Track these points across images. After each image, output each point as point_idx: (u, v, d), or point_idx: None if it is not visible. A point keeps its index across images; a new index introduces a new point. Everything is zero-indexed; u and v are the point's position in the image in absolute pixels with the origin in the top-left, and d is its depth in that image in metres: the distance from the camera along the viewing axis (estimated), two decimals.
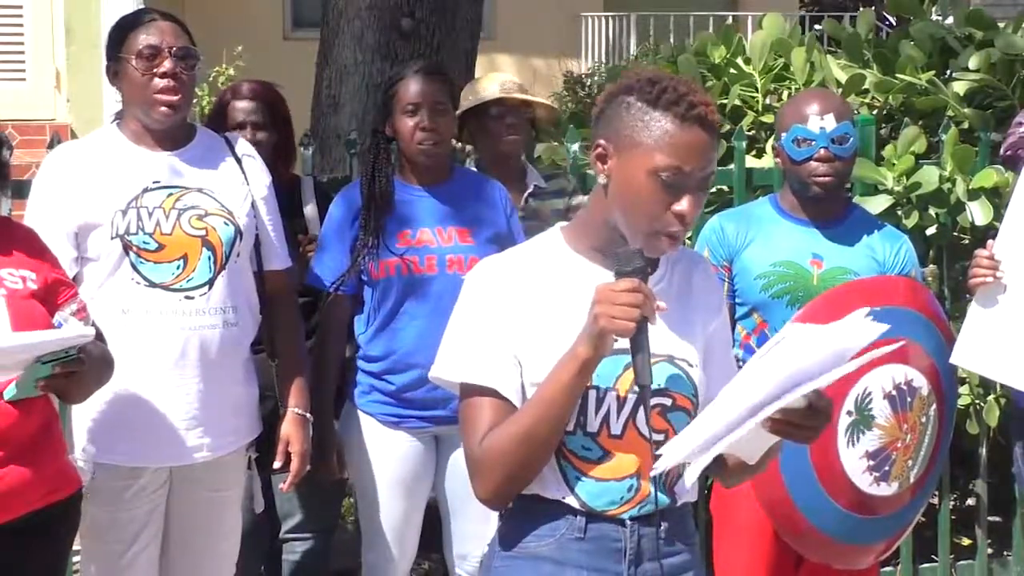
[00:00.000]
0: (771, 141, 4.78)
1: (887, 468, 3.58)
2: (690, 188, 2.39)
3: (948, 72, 5.16)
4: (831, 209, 3.80)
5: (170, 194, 3.43)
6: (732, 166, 4.72)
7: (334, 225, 3.91)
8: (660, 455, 2.34)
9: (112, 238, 3.38)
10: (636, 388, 2.41)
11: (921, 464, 3.66)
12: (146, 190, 3.42)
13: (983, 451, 4.91)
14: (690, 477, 2.36)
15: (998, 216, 4.63)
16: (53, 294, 3.08)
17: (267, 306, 3.62)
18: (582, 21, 14.55)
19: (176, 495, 3.53)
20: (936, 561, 4.96)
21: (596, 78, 11.93)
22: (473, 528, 3.86)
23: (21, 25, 8.88)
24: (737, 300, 3.79)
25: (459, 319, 2.50)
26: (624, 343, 2.35)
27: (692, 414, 2.49)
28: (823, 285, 3.71)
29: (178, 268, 3.40)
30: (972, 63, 5.02)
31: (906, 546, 4.73)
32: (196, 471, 3.50)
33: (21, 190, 3.84)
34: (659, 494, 2.48)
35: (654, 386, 2.40)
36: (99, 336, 3.09)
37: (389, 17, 6.28)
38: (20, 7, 8.85)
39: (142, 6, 7.73)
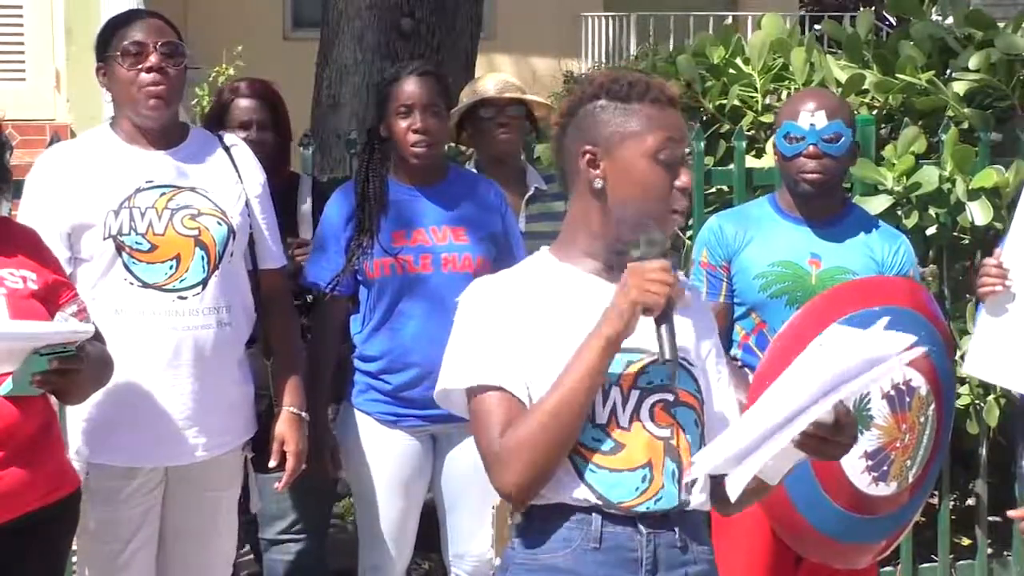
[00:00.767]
0: (771, 141, 4.78)
1: (886, 468, 3.58)
2: (683, 163, 2.51)
3: (948, 72, 5.16)
4: (829, 209, 3.80)
5: (163, 194, 3.43)
6: (732, 166, 4.72)
7: (330, 226, 3.91)
8: (693, 462, 2.40)
9: (105, 238, 3.38)
10: (639, 385, 2.46)
11: (920, 464, 3.66)
12: (139, 190, 3.42)
13: (983, 451, 4.91)
14: (733, 491, 2.38)
15: (998, 216, 4.64)
16: (54, 295, 3.08)
17: (262, 305, 3.62)
18: (582, 21, 14.55)
19: (172, 495, 3.53)
20: (936, 561, 4.95)
21: None
22: (470, 527, 3.87)
23: (21, 25, 8.89)
24: (736, 300, 3.79)
25: (458, 335, 2.52)
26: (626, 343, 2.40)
27: (697, 411, 2.52)
28: (822, 285, 3.71)
29: (171, 268, 3.40)
30: (972, 63, 5.02)
31: (906, 546, 4.73)
32: (192, 471, 3.50)
33: (20, 190, 3.83)
34: (671, 487, 2.48)
35: (656, 382, 2.45)
36: (98, 337, 3.09)
37: (389, 17, 6.28)
38: (20, 7, 8.87)
39: (141, 6, 7.75)
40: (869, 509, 3.60)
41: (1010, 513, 3.96)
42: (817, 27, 12.03)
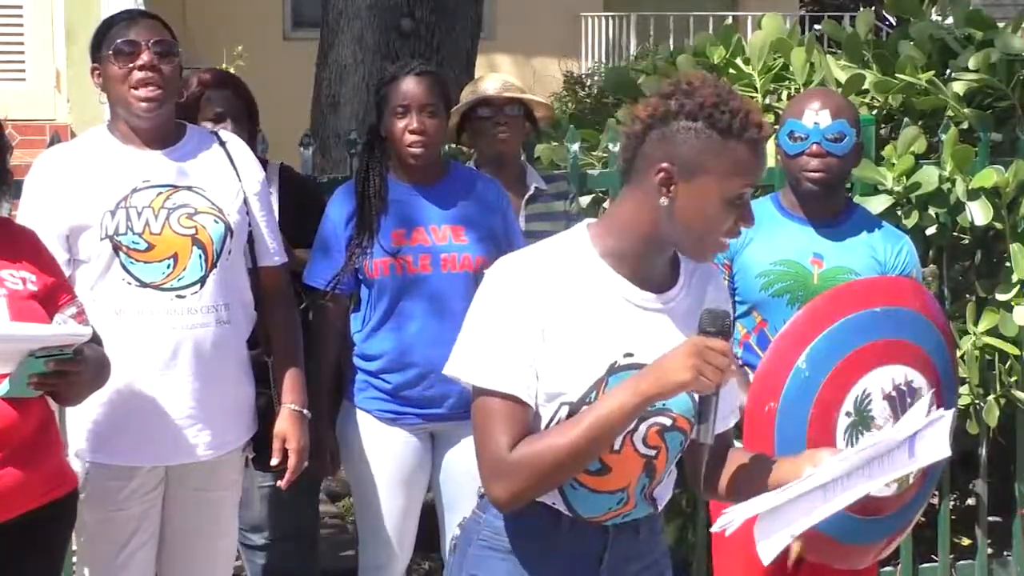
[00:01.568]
0: (771, 140, 4.77)
1: None
2: (748, 203, 2.48)
3: (948, 72, 5.15)
4: (832, 208, 3.80)
5: (159, 193, 3.43)
6: None
7: (331, 226, 3.90)
8: (725, 513, 2.44)
9: (102, 239, 3.38)
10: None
11: None
12: (135, 190, 3.41)
13: (983, 451, 4.91)
14: (766, 556, 2.42)
15: (998, 216, 4.63)
16: (53, 296, 3.08)
17: (261, 303, 3.62)
18: (582, 21, 14.54)
19: (172, 495, 3.53)
20: (936, 561, 4.95)
21: (596, 78, 11.91)
22: None
23: (21, 25, 8.89)
24: (737, 299, 3.78)
25: (479, 317, 2.47)
26: (628, 361, 2.44)
27: (686, 434, 2.55)
28: (824, 284, 3.71)
29: (168, 267, 3.40)
30: (972, 63, 5.01)
31: (906, 546, 4.73)
32: (192, 471, 3.50)
33: (19, 190, 3.83)
34: (642, 503, 2.56)
35: (655, 407, 2.45)
36: (96, 340, 3.09)
37: (389, 17, 6.29)
38: (20, 7, 8.87)
39: (141, 6, 7.75)
40: (870, 510, 3.59)
41: None
42: (817, 27, 12.03)
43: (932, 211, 4.68)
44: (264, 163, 4.26)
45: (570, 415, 2.43)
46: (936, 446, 2.50)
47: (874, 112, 4.99)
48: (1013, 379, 4.68)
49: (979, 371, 4.63)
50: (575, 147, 4.52)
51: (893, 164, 4.63)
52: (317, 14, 7.48)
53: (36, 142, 7.51)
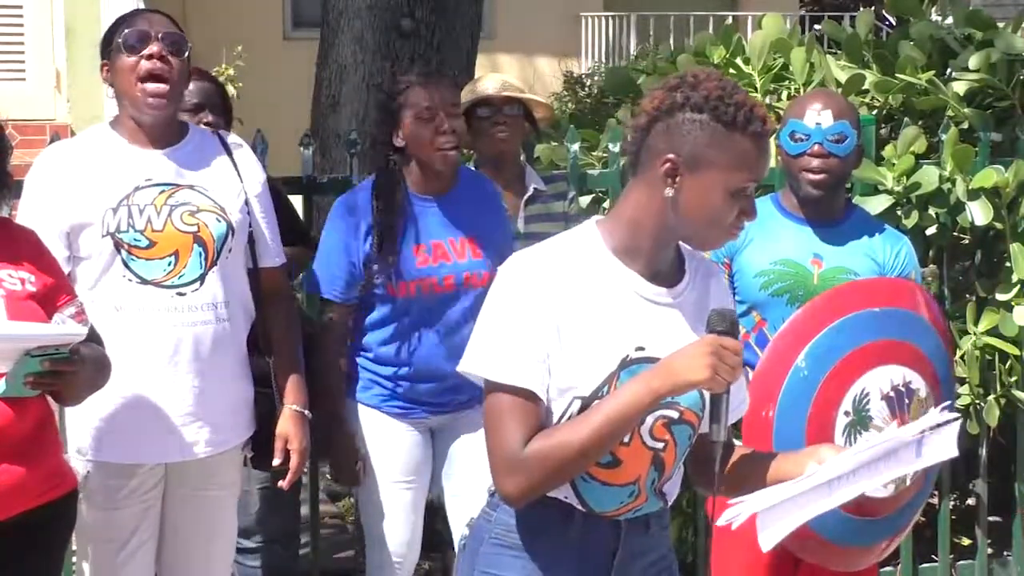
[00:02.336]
0: (772, 140, 4.77)
1: None
2: (752, 197, 2.49)
3: (948, 72, 5.15)
4: (831, 209, 3.80)
5: (162, 191, 3.43)
6: None
7: (339, 235, 3.83)
8: (733, 504, 2.45)
9: (103, 236, 3.38)
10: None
11: None
12: (138, 188, 3.41)
13: (983, 451, 4.91)
14: (766, 543, 2.44)
15: (998, 216, 4.63)
16: (52, 296, 3.07)
17: (262, 303, 3.62)
18: (582, 21, 14.55)
19: (172, 494, 3.52)
20: (936, 561, 4.95)
21: (596, 78, 11.92)
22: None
23: (21, 25, 8.89)
24: (736, 298, 3.78)
25: (493, 314, 2.48)
26: (640, 355, 2.45)
27: (694, 426, 2.56)
28: (823, 285, 3.71)
29: (169, 264, 3.40)
30: (972, 63, 5.01)
31: (906, 546, 4.73)
32: (191, 470, 3.50)
33: (20, 189, 3.83)
34: (652, 497, 2.57)
35: (663, 400, 2.45)
36: (96, 339, 3.09)
37: (389, 17, 6.30)
38: (20, 7, 8.87)
39: (142, 6, 7.75)
40: (868, 511, 3.59)
41: None
42: (817, 27, 12.04)
43: (932, 211, 4.68)
44: None
45: (582, 409, 2.44)
46: (944, 447, 2.52)
47: (874, 112, 5.00)
48: (1013, 379, 4.69)
49: (979, 371, 4.63)
50: (575, 147, 4.52)
51: (893, 164, 4.63)
52: (317, 14, 7.48)
53: (36, 142, 7.52)
